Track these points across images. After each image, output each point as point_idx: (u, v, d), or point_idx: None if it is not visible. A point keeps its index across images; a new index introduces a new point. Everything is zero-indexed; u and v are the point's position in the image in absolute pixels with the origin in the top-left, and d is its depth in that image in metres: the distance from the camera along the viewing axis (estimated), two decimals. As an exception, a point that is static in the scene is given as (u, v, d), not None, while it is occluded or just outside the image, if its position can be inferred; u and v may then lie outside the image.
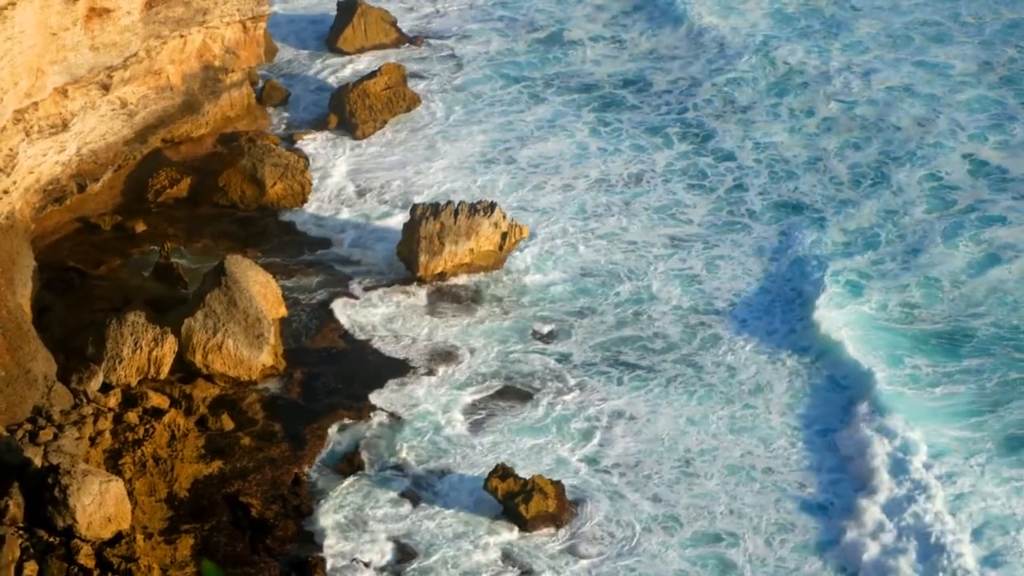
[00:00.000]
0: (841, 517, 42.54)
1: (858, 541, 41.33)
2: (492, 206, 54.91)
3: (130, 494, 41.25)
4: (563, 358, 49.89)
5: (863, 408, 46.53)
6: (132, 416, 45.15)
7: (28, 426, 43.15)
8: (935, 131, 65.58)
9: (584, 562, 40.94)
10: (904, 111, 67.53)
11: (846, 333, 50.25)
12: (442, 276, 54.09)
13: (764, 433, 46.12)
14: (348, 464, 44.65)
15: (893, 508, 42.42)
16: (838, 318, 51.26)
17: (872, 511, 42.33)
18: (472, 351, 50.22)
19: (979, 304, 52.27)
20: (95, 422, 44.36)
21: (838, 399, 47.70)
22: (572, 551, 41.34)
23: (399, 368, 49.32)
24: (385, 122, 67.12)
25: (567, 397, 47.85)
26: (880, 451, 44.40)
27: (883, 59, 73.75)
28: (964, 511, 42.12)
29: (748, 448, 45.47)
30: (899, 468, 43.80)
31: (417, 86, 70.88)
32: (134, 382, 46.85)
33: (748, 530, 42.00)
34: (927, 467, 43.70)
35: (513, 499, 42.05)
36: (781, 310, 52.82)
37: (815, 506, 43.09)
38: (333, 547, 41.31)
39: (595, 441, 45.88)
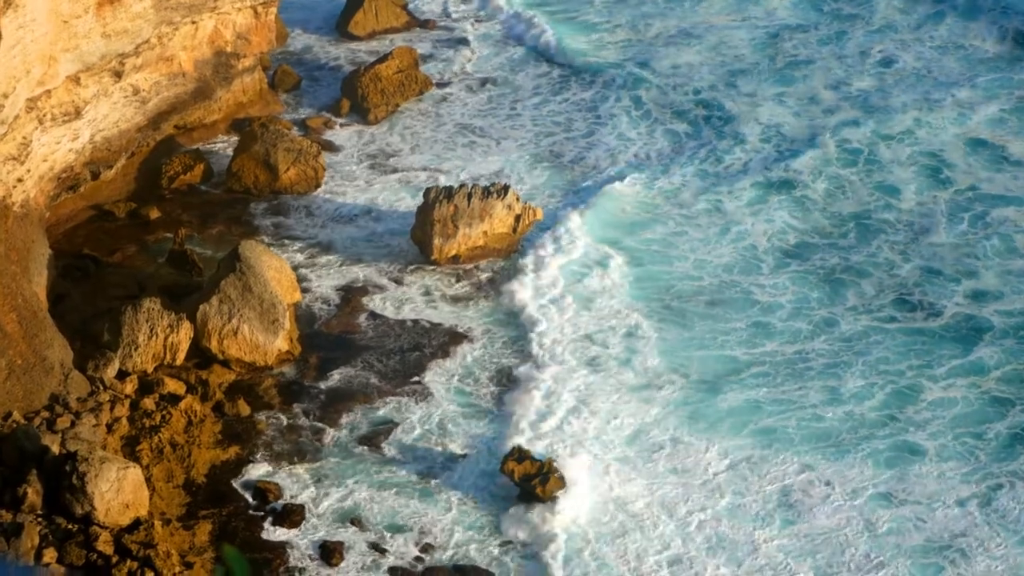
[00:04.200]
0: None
1: None
2: (505, 188, 54.83)
3: (148, 480, 41.34)
4: (575, 344, 49.88)
5: None
6: (149, 402, 45.24)
7: (45, 414, 43.27)
8: (940, 115, 65.02)
9: (604, 543, 41.02)
10: (909, 96, 67.08)
11: None
12: (456, 259, 54.05)
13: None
14: (364, 448, 44.72)
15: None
16: None
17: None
18: (486, 334, 50.20)
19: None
20: (112, 409, 44.45)
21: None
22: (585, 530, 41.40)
23: (413, 352, 49.34)
24: (397, 106, 67.05)
25: (580, 382, 47.76)
26: None
27: (905, 43, 73.05)
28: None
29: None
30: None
31: (428, 68, 70.78)
32: (150, 369, 46.95)
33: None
34: None
35: (530, 481, 42.07)
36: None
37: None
38: (351, 532, 41.39)
39: (604, 424, 45.79)
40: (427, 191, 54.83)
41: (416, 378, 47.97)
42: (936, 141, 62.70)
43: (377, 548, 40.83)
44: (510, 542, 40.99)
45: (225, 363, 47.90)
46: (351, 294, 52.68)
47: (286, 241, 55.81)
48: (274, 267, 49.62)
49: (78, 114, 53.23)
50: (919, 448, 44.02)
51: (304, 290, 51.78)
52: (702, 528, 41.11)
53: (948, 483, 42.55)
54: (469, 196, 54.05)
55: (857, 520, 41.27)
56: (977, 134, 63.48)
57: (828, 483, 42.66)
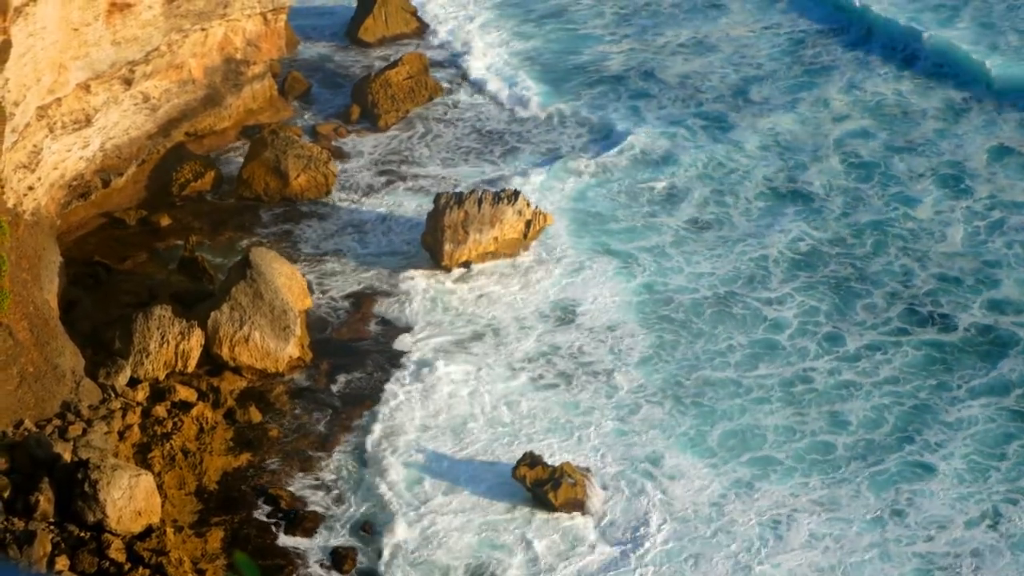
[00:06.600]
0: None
1: None
2: (516, 194, 54.77)
3: (159, 488, 41.32)
4: (583, 350, 49.76)
5: None
6: (160, 410, 45.25)
7: (57, 421, 43.28)
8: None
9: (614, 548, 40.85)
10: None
11: None
12: (467, 265, 53.97)
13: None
14: (376, 454, 44.61)
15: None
16: None
17: None
18: (497, 340, 50.07)
19: None
20: (123, 416, 44.47)
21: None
22: (600, 537, 41.22)
23: (425, 357, 49.24)
24: (407, 112, 67.05)
25: (591, 386, 47.64)
26: None
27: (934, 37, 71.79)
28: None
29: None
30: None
31: (439, 74, 70.79)
32: (162, 376, 46.96)
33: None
34: None
35: (542, 487, 41.94)
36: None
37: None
38: (363, 537, 41.30)
39: (590, 443, 45.25)
40: (437, 197, 54.78)
41: (427, 382, 47.84)
42: (957, 149, 61.62)
43: (388, 553, 40.67)
44: (525, 549, 40.87)
45: (236, 370, 47.89)
46: (362, 300, 52.63)
47: (296, 248, 55.80)
48: (285, 274, 49.62)
49: (88, 122, 53.32)
50: (930, 467, 42.87)
51: (315, 296, 51.74)
52: (681, 552, 40.16)
53: (956, 505, 41.32)
54: (479, 202, 53.99)
55: (851, 545, 40.17)
56: (1002, 141, 62.07)
57: (822, 506, 41.53)
